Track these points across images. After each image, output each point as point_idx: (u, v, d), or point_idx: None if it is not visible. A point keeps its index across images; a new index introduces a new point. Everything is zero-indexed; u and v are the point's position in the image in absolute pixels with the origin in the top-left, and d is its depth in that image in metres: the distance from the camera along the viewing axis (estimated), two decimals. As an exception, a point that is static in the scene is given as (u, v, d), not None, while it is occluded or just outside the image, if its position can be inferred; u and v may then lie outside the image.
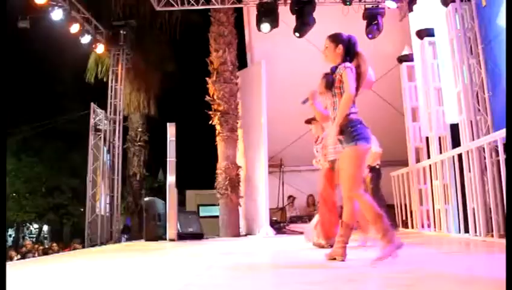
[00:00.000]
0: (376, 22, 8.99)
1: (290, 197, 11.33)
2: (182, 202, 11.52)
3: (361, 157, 3.52)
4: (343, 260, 3.48)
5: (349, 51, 3.64)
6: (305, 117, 6.17)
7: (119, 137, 10.21)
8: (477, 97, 6.06)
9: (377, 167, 7.28)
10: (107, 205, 9.73)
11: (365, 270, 3.07)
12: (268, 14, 8.83)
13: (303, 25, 8.67)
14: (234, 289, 2.59)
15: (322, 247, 4.88)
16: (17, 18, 8.86)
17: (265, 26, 8.88)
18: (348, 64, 3.54)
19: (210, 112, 9.70)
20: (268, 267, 3.77)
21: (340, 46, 3.65)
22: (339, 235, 3.64)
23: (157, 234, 8.19)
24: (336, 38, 3.71)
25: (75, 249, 12.02)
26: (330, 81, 3.63)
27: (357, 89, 3.54)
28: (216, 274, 3.33)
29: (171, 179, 8.00)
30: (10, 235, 23.70)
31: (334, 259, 3.53)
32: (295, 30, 8.78)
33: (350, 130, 3.47)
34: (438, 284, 2.47)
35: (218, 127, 9.58)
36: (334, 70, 3.64)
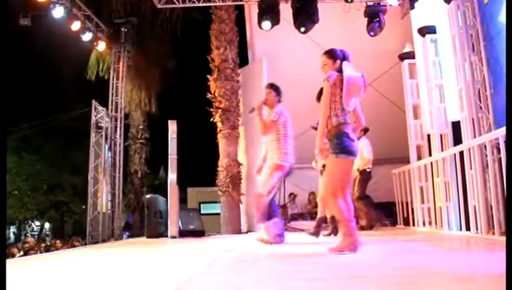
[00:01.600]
0: (378, 19, 8.97)
1: (291, 194, 11.32)
2: (183, 200, 11.55)
3: (340, 169, 3.88)
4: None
5: (341, 62, 3.99)
6: (306, 115, 6.21)
7: (120, 134, 10.23)
8: (479, 94, 6.04)
9: (368, 170, 7.49)
10: (109, 203, 9.75)
11: (366, 268, 3.07)
12: (269, 11, 8.82)
13: (306, 21, 8.63)
14: (235, 286, 2.59)
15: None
16: (19, 16, 8.87)
17: (266, 24, 8.88)
18: (331, 74, 3.90)
19: (211, 110, 9.70)
20: (269, 264, 3.77)
21: (338, 62, 3.98)
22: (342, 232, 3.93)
23: (158, 231, 8.20)
24: (333, 55, 4.03)
25: (73, 246, 12.03)
26: (319, 93, 4.20)
27: (346, 96, 3.84)
28: (217, 271, 3.33)
29: (172, 176, 8.00)
30: (14, 233, 23.79)
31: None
32: (300, 26, 8.73)
33: (335, 142, 3.83)
34: (439, 281, 2.47)
35: (219, 125, 9.58)
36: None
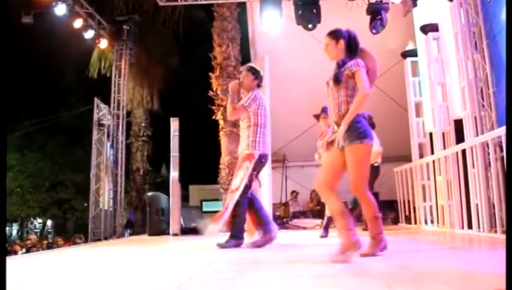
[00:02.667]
0: (380, 17, 8.95)
1: (293, 192, 11.34)
2: (185, 197, 11.53)
3: (368, 156, 3.54)
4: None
5: (350, 44, 3.63)
6: (308, 112, 6.17)
7: (122, 132, 10.24)
8: (482, 92, 6.03)
9: (376, 164, 7.27)
10: (111, 200, 9.77)
11: (370, 265, 3.08)
12: (271, 8, 8.78)
13: (313, 17, 8.59)
14: (238, 283, 2.60)
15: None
16: (21, 13, 8.88)
17: (274, 14, 8.77)
18: (361, 62, 3.52)
19: (213, 107, 9.70)
20: (271, 261, 3.77)
21: (341, 42, 3.62)
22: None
23: (160, 229, 8.21)
24: (335, 35, 3.67)
25: (75, 243, 12.06)
26: (338, 76, 3.55)
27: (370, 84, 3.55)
28: (219, 268, 3.34)
29: (174, 174, 8.01)
30: (18, 231, 23.84)
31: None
32: (307, 23, 8.66)
33: (356, 126, 3.44)
34: (441, 279, 2.47)
35: (221, 122, 9.58)
36: (341, 64, 3.59)
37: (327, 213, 6.23)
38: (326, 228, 6.42)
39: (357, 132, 3.43)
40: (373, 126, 7.26)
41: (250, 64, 5.40)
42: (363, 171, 3.51)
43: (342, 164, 3.51)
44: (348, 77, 3.51)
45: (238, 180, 4.82)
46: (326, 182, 3.56)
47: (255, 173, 4.94)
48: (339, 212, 3.46)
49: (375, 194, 7.48)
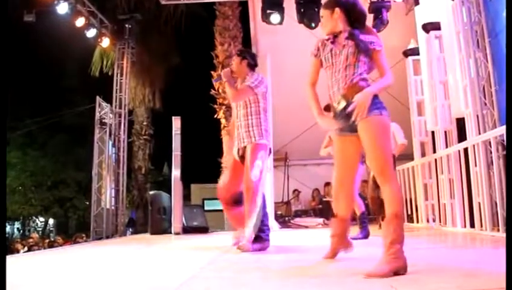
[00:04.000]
0: (380, 15, 8.94)
1: (295, 191, 11.33)
2: (187, 196, 11.55)
3: (389, 131, 2.88)
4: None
5: (350, 13, 3.05)
6: (310, 111, 6.13)
7: (124, 131, 10.25)
8: (484, 91, 6.02)
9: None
10: (112, 199, 9.78)
11: (371, 265, 3.07)
12: (274, 5, 8.77)
13: (315, 16, 8.57)
14: (240, 282, 2.60)
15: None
16: (23, 12, 8.89)
17: (276, 17, 8.73)
18: (378, 40, 3.02)
19: (215, 106, 9.70)
20: (272, 261, 3.77)
21: (337, 10, 3.04)
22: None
23: (162, 228, 8.21)
24: (330, 3, 3.11)
25: (76, 242, 12.08)
26: (365, 46, 2.96)
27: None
28: (221, 267, 3.34)
29: (176, 172, 8.01)
30: (18, 229, 23.88)
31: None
32: (310, 21, 8.65)
33: (374, 99, 2.82)
34: (443, 278, 2.46)
35: (223, 121, 9.58)
36: (350, 34, 3.02)
37: (358, 211, 5.59)
38: (365, 228, 5.61)
39: (374, 102, 2.80)
40: None
41: (241, 48, 4.94)
42: (388, 148, 2.81)
43: (358, 154, 3.00)
44: (368, 51, 2.97)
45: (257, 171, 4.25)
46: (337, 179, 3.08)
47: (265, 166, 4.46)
48: (340, 217, 3.17)
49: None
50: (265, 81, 4.51)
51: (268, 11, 8.76)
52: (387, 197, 2.70)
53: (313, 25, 8.65)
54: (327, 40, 3.14)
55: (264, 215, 4.33)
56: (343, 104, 2.90)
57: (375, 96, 2.84)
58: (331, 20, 3.09)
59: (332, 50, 3.07)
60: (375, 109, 2.78)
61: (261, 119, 4.41)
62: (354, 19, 3.06)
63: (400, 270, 2.54)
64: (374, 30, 3.23)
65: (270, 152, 4.54)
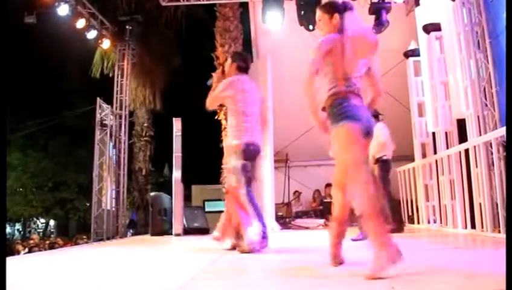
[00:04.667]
0: (381, 16, 8.96)
1: (295, 192, 11.32)
2: (187, 197, 11.54)
3: (350, 139, 2.88)
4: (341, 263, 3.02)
5: (344, 20, 3.10)
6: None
7: (125, 132, 10.24)
8: (485, 92, 6.02)
9: (384, 157, 6.70)
10: (113, 200, 9.77)
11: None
12: (273, 8, 8.78)
13: (314, 18, 8.58)
14: (240, 283, 2.60)
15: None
16: (24, 14, 8.89)
17: (276, 15, 8.77)
18: (326, 38, 3.07)
19: (216, 107, 9.70)
20: (273, 262, 3.77)
21: (336, 16, 3.08)
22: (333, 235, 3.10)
23: (163, 229, 8.21)
24: (329, 8, 3.14)
25: (77, 243, 12.09)
26: None
27: (351, 58, 3.00)
28: (221, 269, 3.33)
29: (176, 174, 8.02)
30: (18, 230, 23.89)
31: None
32: (308, 23, 8.67)
33: (334, 111, 2.97)
34: (444, 279, 2.46)
35: (224, 122, 9.58)
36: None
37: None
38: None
39: (335, 115, 2.96)
40: (376, 116, 6.81)
41: (234, 50, 5.02)
42: (346, 155, 2.91)
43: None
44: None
45: (233, 179, 4.37)
46: (335, 179, 3.09)
47: (248, 163, 4.40)
48: (337, 220, 3.08)
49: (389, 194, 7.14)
50: (234, 83, 4.50)
51: (268, 13, 8.77)
52: (363, 203, 2.75)
53: (311, 27, 8.67)
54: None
55: (257, 215, 4.30)
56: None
57: (339, 104, 2.95)
58: (329, 24, 3.12)
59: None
60: (334, 122, 2.94)
61: (233, 121, 4.47)
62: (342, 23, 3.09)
63: (394, 259, 2.56)
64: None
65: (253, 147, 4.45)
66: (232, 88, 4.48)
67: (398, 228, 6.41)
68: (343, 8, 3.11)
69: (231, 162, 4.40)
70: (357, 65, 3.03)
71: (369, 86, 3.20)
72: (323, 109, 3.24)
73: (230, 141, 4.47)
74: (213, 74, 4.78)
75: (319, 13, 3.21)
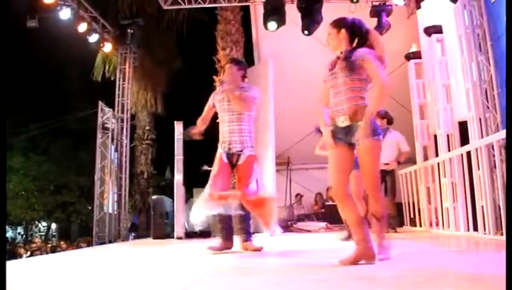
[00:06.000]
0: (381, 19, 8.98)
1: (297, 195, 11.32)
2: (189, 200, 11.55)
3: (379, 154, 3.34)
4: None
5: (354, 34, 3.40)
6: (312, 116, 6.10)
7: (126, 135, 10.26)
8: (486, 94, 6.01)
9: (387, 169, 6.89)
10: (115, 203, 9.78)
11: (374, 269, 3.06)
12: (275, 12, 8.81)
13: (311, 22, 8.64)
14: (243, 287, 2.59)
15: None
16: (26, 17, 8.92)
17: (272, 25, 8.87)
18: (367, 50, 3.30)
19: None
20: (276, 265, 3.76)
21: (343, 31, 3.40)
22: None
23: (164, 232, 8.21)
24: (338, 23, 3.46)
25: (79, 246, 12.09)
26: (352, 65, 3.28)
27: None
28: (223, 272, 3.33)
29: (178, 177, 8.02)
30: (19, 233, 23.91)
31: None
32: (303, 28, 8.75)
33: (372, 124, 3.26)
34: (446, 282, 2.46)
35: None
36: (348, 54, 3.33)
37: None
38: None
39: (375, 127, 3.28)
40: (390, 121, 7.08)
41: (231, 57, 5.14)
42: (378, 169, 3.38)
43: (351, 162, 3.39)
44: (360, 66, 3.28)
45: (254, 183, 4.54)
46: (340, 185, 3.35)
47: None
48: (357, 222, 3.26)
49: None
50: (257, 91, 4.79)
51: (270, 18, 8.79)
52: (381, 211, 3.41)
53: (306, 32, 8.71)
54: (330, 64, 3.44)
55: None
56: (346, 123, 3.30)
57: (372, 120, 3.25)
58: (337, 39, 3.43)
59: (333, 73, 3.38)
60: (375, 134, 3.26)
61: (253, 129, 4.73)
62: (356, 38, 3.41)
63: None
64: (378, 37, 3.50)
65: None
66: (258, 97, 4.74)
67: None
68: (351, 24, 3.42)
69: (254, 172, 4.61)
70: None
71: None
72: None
73: (251, 149, 4.67)
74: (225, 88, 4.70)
75: (328, 28, 3.50)
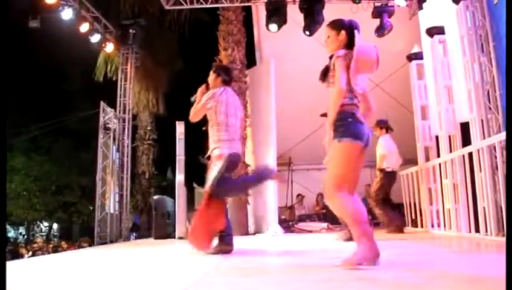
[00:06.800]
0: (384, 20, 8.98)
1: (298, 195, 11.32)
2: (190, 200, 11.56)
3: (345, 156, 3.18)
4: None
5: (353, 36, 3.29)
6: (313, 116, 6.12)
7: (128, 135, 10.27)
8: (488, 95, 6.00)
9: (388, 169, 7.27)
10: (116, 203, 9.78)
11: (376, 270, 3.05)
12: (276, 12, 8.82)
13: (312, 23, 8.66)
14: (244, 287, 2.59)
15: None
16: (28, 18, 8.93)
17: (273, 26, 8.88)
18: (341, 52, 3.23)
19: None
20: (276, 265, 3.76)
21: (343, 33, 3.33)
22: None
23: (166, 232, 8.22)
24: (337, 25, 3.39)
25: (81, 247, 12.10)
26: (324, 71, 3.32)
27: (354, 73, 3.19)
28: (225, 272, 3.33)
29: (180, 177, 8.02)
30: (21, 233, 23.94)
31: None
32: (305, 29, 8.76)
33: (338, 124, 3.19)
34: (448, 284, 2.45)
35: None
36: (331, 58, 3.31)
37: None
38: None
39: (338, 130, 3.18)
40: (388, 129, 7.39)
41: (216, 63, 5.21)
42: (341, 172, 3.19)
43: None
44: (334, 71, 3.22)
45: (210, 181, 4.55)
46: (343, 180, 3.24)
47: (228, 174, 4.65)
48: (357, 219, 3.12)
49: (389, 200, 7.47)
50: (216, 96, 4.69)
51: (272, 18, 8.81)
52: (340, 212, 3.26)
53: (308, 33, 8.72)
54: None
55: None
56: (327, 125, 3.28)
57: (344, 119, 3.18)
58: (337, 41, 3.35)
59: (329, 73, 3.32)
60: (335, 137, 3.18)
61: (215, 131, 4.67)
62: (352, 40, 3.28)
63: (371, 260, 2.98)
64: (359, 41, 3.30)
65: (234, 158, 4.65)
66: (214, 100, 4.66)
67: (398, 229, 7.10)
68: (349, 26, 3.34)
69: (212, 170, 4.56)
70: (358, 79, 3.23)
71: (360, 102, 3.34)
72: (324, 114, 3.39)
73: (214, 149, 4.63)
74: (198, 89, 4.90)
75: (327, 30, 3.43)
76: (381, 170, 7.32)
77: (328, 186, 3.20)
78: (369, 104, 3.43)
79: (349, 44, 3.29)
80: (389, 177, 7.36)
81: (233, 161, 4.63)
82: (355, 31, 3.30)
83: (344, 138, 3.15)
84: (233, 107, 4.75)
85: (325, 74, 3.33)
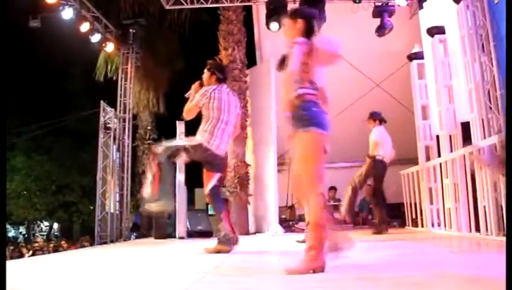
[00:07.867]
0: (384, 20, 8.97)
1: (299, 195, 11.29)
2: (191, 200, 11.56)
3: (315, 147, 2.98)
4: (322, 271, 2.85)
5: (311, 25, 3.18)
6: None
7: (128, 135, 10.27)
8: (489, 95, 5.98)
9: (379, 157, 7.14)
10: (117, 203, 9.79)
11: (375, 269, 3.05)
12: (277, 12, 8.81)
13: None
14: (245, 286, 2.59)
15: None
16: (29, 17, 8.93)
17: (274, 25, 8.88)
18: (299, 39, 3.09)
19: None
20: (277, 265, 3.76)
21: (300, 21, 3.19)
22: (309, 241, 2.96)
23: (166, 232, 8.22)
24: (294, 14, 3.29)
25: (83, 246, 12.10)
26: (281, 61, 3.27)
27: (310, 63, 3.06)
28: (225, 272, 3.33)
29: (180, 177, 8.02)
30: (21, 233, 23.96)
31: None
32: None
33: (301, 113, 3.01)
34: (448, 283, 2.45)
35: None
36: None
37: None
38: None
39: (302, 119, 3.01)
40: (381, 121, 7.36)
41: (210, 61, 5.24)
42: (309, 166, 2.98)
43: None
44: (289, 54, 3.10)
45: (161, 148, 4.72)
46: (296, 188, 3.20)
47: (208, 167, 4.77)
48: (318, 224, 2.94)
49: (383, 199, 7.46)
50: (209, 92, 4.74)
51: (272, 18, 8.80)
52: (314, 212, 2.92)
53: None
54: None
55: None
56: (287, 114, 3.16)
57: (308, 108, 3.01)
58: (294, 29, 3.22)
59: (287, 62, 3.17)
60: (301, 126, 3.01)
61: (203, 124, 4.74)
62: (311, 30, 3.19)
63: (316, 270, 2.81)
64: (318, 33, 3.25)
65: (208, 152, 4.69)
66: (206, 97, 4.72)
67: (379, 229, 7.10)
68: (307, 14, 3.23)
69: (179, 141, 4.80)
70: (316, 71, 3.10)
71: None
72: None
73: (198, 137, 4.68)
74: (192, 86, 4.97)
75: (285, 19, 3.35)
76: (372, 157, 7.19)
77: (305, 183, 2.97)
78: (326, 99, 3.22)
79: (308, 33, 3.17)
80: (378, 166, 7.17)
81: (208, 154, 4.66)
82: (313, 20, 3.20)
83: (310, 127, 2.97)
84: (226, 104, 4.76)
85: (282, 63, 3.26)
